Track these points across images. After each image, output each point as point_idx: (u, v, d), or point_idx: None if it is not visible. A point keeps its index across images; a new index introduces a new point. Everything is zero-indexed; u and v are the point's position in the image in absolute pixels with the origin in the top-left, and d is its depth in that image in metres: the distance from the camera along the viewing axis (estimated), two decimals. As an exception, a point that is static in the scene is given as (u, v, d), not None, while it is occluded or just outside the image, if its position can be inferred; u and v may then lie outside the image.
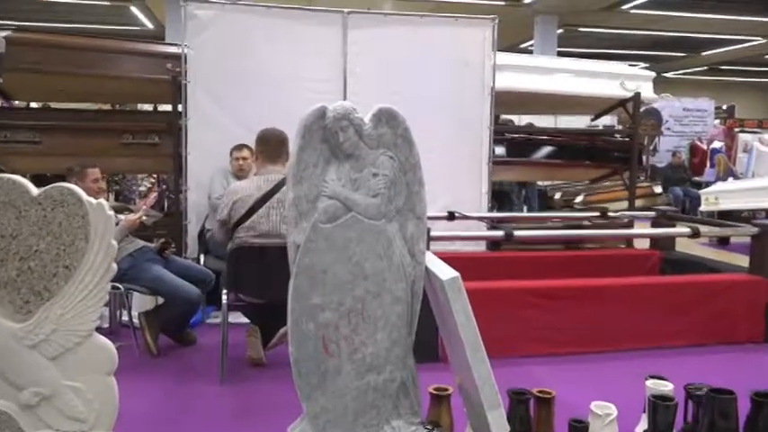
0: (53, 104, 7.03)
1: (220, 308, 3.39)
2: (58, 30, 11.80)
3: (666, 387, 2.51)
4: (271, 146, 3.41)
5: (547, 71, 6.31)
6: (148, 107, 7.26)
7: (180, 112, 4.76)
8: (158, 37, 12.51)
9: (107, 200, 3.28)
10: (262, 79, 4.71)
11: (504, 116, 8.12)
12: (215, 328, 3.85)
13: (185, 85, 4.65)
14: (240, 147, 4.53)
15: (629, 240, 5.76)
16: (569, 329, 3.78)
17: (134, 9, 12.98)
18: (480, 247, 5.18)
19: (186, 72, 4.64)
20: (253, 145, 3.61)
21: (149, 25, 14.22)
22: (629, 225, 5.62)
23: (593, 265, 4.88)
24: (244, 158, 4.51)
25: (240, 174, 4.49)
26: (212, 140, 4.63)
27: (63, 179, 3.75)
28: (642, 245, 5.65)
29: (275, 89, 4.70)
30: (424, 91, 4.92)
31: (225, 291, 3.38)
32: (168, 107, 5.10)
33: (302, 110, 2.32)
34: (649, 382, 2.55)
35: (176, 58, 4.75)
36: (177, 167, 4.84)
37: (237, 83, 4.69)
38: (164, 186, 7.76)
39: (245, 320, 3.67)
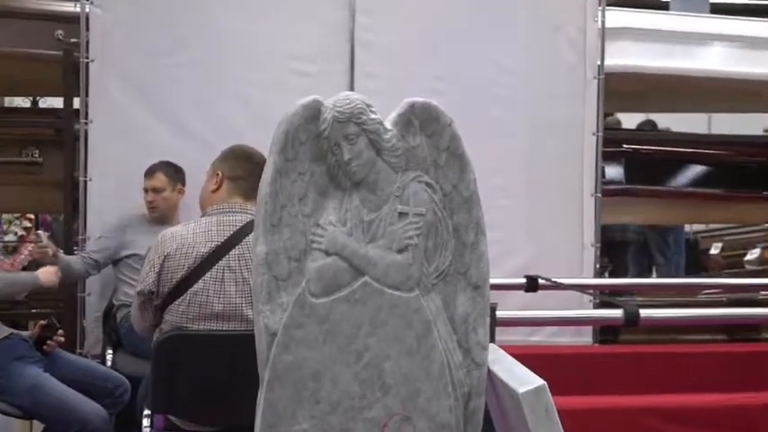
0: None
1: (139, 440, 3.41)
2: None
3: None
4: (250, 169, 3.24)
5: (693, 39, 6.35)
6: (23, 103, 7.42)
7: (77, 111, 4.85)
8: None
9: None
10: (215, 57, 4.81)
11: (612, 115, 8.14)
12: (130, 475, 3.86)
13: (86, 65, 4.74)
14: (150, 171, 4.58)
15: (839, 327, 5.71)
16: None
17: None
18: (584, 338, 5.19)
19: (88, 45, 4.74)
20: (208, 164, 3.46)
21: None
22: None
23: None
24: (154, 190, 4.56)
25: (153, 217, 4.58)
26: (130, 158, 4.71)
27: None
28: None
29: (237, 73, 4.80)
30: (485, 75, 5.01)
31: (147, 411, 3.40)
32: (58, 102, 5.20)
33: (281, 106, 2.37)
34: None
35: (71, 20, 4.88)
36: (71, 203, 4.93)
37: (175, 64, 4.80)
38: (47, 234, 7.85)
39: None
